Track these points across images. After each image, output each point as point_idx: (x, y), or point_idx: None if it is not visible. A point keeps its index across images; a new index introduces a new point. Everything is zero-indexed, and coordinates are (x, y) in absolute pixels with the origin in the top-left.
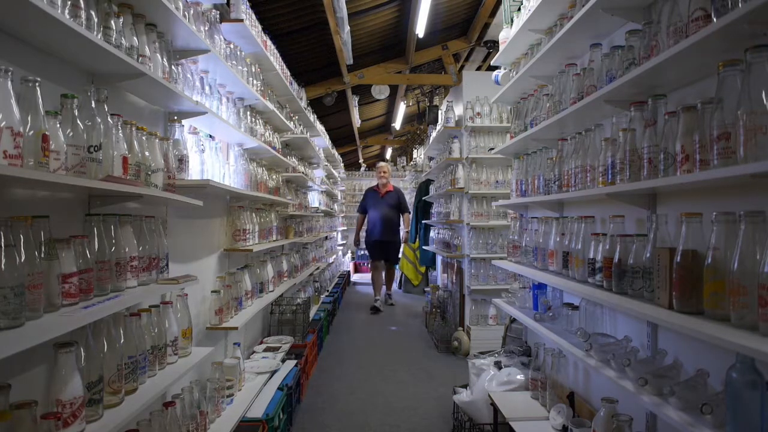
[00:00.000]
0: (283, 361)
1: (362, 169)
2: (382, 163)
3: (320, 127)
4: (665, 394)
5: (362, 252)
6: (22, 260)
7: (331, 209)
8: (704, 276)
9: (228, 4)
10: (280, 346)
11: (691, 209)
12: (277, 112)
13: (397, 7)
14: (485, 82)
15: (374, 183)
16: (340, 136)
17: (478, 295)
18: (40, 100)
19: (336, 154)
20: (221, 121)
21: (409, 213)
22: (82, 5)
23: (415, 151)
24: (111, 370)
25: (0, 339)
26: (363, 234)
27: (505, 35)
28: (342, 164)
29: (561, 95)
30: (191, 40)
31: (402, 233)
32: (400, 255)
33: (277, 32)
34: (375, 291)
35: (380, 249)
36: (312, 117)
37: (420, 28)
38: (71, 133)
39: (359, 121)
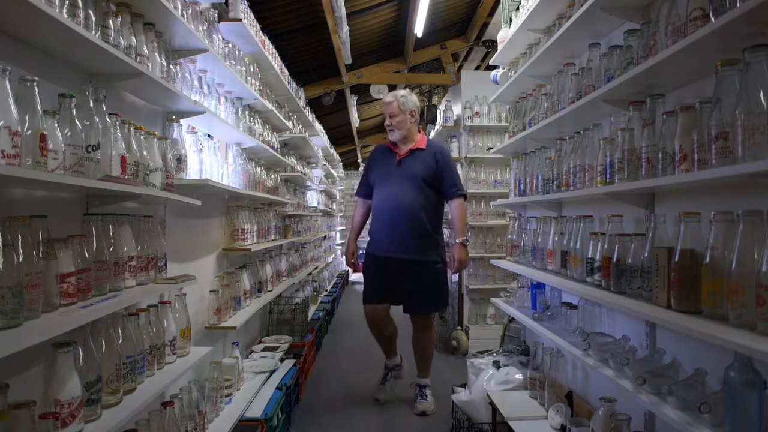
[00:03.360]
0: (281, 360)
1: (361, 168)
2: (389, 96)
3: (319, 127)
4: (663, 393)
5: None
6: (20, 260)
7: (330, 209)
8: (702, 275)
9: (226, 3)
10: (279, 346)
11: (689, 209)
12: (276, 111)
13: (395, 7)
14: (484, 82)
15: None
16: (339, 136)
17: (477, 295)
18: (38, 99)
19: (335, 153)
20: (220, 121)
21: (465, 197)
22: (80, 4)
23: None
24: (109, 370)
25: None
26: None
27: (504, 35)
28: (341, 164)
29: (559, 95)
30: (189, 40)
31: (453, 246)
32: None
33: (276, 31)
34: (386, 354)
35: (387, 279)
36: (311, 116)
37: (418, 28)
38: (69, 133)
39: (358, 120)
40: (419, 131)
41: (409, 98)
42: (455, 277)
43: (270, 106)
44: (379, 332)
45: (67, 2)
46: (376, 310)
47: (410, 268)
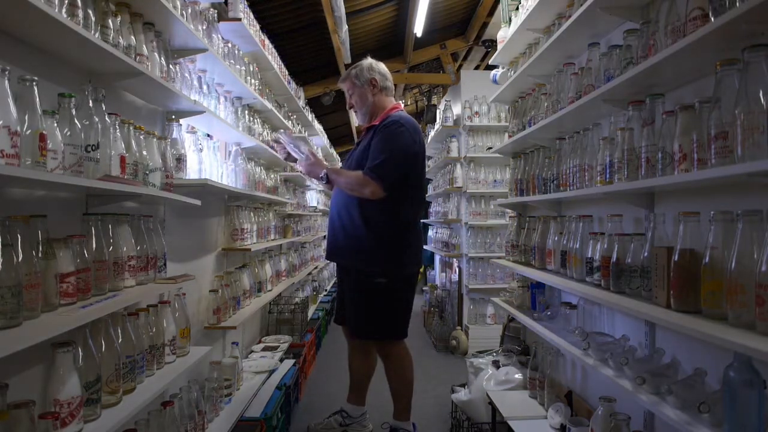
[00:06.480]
0: (281, 360)
1: None
2: (342, 77)
3: (318, 127)
4: (663, 392)
5: None
6: (20, 260)
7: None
8: (702, 275)
9: (226, 2)
10: (279, 346)
11: (688, 208)
12: (276, 111)
13: (395, 7)
14: (483, 82)
15: None
16: (339, 135)
17: (477, 294)
18: (38, 99)
19: (334, 153)
20: (219, 121)
21: (381, 186)
22: (80, 4)
23: None
24: (109, 370)
25: None
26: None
27: (503, 34)
28: (340, 164)
29: (559, 94)
30: (189, 40)
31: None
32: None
33: (276, 31)
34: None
35: (341, 291)
36: (310, 116)
37: (418, 28)
38: (69, 133)
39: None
40: (394, 102)
41: (364, 66)
42: (455, 277)
43: (269, 105)
44: (349, 359)
45: (66, 2)
46: (343, 330)
47: (345, 276)
